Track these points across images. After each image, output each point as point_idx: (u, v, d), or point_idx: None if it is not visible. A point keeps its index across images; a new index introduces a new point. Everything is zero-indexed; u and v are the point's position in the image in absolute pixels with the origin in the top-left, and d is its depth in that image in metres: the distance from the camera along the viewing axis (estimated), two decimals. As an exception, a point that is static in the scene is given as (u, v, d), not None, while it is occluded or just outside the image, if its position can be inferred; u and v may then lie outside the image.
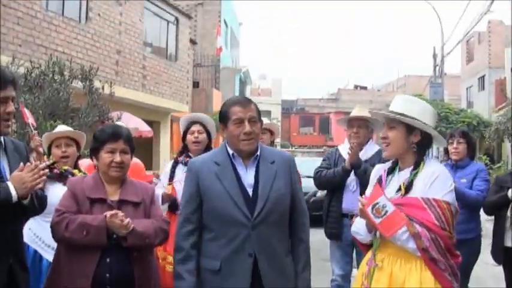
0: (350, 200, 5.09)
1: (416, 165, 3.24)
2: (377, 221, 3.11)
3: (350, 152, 5.10)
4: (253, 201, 3.12)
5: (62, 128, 4.75)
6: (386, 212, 3.09)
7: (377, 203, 3.12)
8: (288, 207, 3.24)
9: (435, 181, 3.14)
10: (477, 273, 6.29)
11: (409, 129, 3.26)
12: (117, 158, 3.34)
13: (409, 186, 3.19)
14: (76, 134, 4.71)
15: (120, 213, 3.17)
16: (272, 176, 3.20)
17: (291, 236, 3.29)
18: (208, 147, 5.24)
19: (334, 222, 5.17)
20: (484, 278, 7.75)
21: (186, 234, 3.19)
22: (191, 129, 5.25)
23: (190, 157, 5.21)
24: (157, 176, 5.53)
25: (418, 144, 3.27)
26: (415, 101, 3.39)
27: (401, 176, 3.28)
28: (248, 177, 3.20)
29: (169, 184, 5.17)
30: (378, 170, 3.49)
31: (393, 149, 3.31)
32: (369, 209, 3.13)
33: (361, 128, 5.25)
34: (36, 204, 3.06)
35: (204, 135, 5.25)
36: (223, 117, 3.22)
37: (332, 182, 5.26)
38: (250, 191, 3.15)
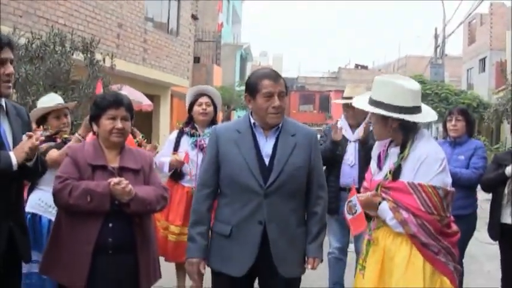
0: (348, 174, 5.14)
1: (403, 147, 3.23)
2: (348, 217, 3.36)
3: (363, 130, 5.11)
4: (268, 170, 3.18)
5: (53, 100, 4.69)
6: (356, 211, 3.29)
7: (351, 201, 3.34)
8: (304, 180, 3.29)
9: (421, 166, 3.13)
10: (471, 251, 6.35)
11: (384, 116, 3.25)
12: (119, 124, 3.34)
13: (396, 172, 3.20)
14: (72, 105, 4.89)
15: (125, 181, 3.19)
16: (290, 148, 3.24)
17: (306, 207, 3.34)
18: (213, 121, 5.24)
19: (332, 197, 5.18)
20: (478, 256, 7.81)
21: (202, 198, 3.29)
22: (199, 100, 5.25)
23: (195, 128, 5.22)
24: (155, 148, 5.51)
25: (400, 127, 3.25)
26: (388, 83, 3.29)
27: (392, 155, 3.31)
28: (267, 147, 3.25)
29: (173, 154, 5.17)
30: (379, 146, 3.49)
31: (377, 134, 3.39)
32: (346, 205, 3.37)
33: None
34: (39, 166, 3.08)
35: (211, 108, 5.26)
36: (252, 89, 3.24)
37: (324, 156, 5.30)
38: (266, 161, 3.21)
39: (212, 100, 5.29)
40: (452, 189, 3.22)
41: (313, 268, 3.28)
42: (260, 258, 3.13)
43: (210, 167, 3.28)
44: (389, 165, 3.28)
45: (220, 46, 29.24)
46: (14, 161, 2.85)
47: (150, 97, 17.43)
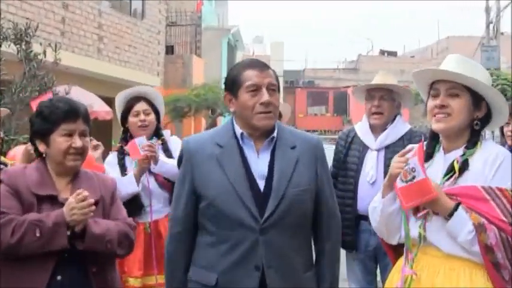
0: (368, 195, 5.02)
1: (472, 145, 3.25)
2: (399, 185, 3.16)
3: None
4: (264, 197, 3.15)
5: None
6: (414, 178, 3.11)
7: (408, 164, 3.16)
8: (310, 207, 3.27)
9: (500, 167, 3.14)
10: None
11: (476, 100, 3.26)
12: (77, 142, 3.34)
13: (463, 167, 3.18)
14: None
15: (85, 192, 3.18)
16: (292, 166, 3.22)
17: (315, 244, 3.34)
18: (157, 132, 5.21)
19: (348, 227, 5.11)
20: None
21: (176, 238, 3.26)
22: (134, 109, 5.14)
23: None
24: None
25: (481, 121, 3.29)
26: (477, 64, 3.37)
27: (448, 160, 3.28)
28: (260, 165, 3.22)
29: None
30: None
31: (453, 122, 3.26)
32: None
33: (384, 100, 5.18)
34: None
35: (152, 116, 5.17)
36: (232, 84, 3.24)
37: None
38: (261, 184, 3.18)
39: (152, 104, 5.22)
40: None
41: None
42: None
43: (184, 197, 3.25)
44: (436, 172, 3.26)
45: (200, 31, 29.32)
46: None
47: (108, 101, 17.42)
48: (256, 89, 3.15)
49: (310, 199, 3.24)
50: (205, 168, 3.19)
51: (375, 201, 3.44)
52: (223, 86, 6.69)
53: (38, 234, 3.09)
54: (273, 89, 3.20)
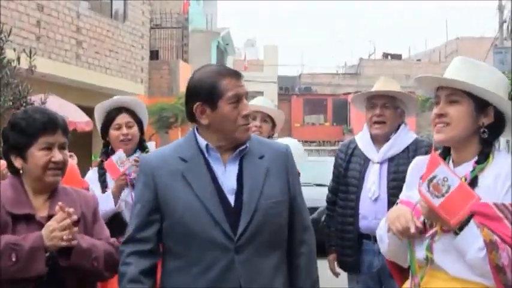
0: (370, 212, 5.06)
1: (484, 158, 3.21)
2: (437, 202, 2.97)
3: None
4: (236, 213, 3.14)
5: None
6: (449, 187, 2.97)
7: (434, 177, 3.00)
8: (285, 220, 3.26)
9: None
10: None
11: (480, 105, 3.23)
12: (57, 156, 3.33)
13: (472, 184, 3.13)
14: None
15: (70, 209, 3.16)
16: (262, 177, 3.22)
17: (288, 260, 3.31)
18: (141, 145, 5.19)
19: (349, 246, 5.15)
20: None
21: (135, 257, 3.17)
22: (116, 121, 5.10)
23: None
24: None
25: (489, 129, 3.24)
26: (484, 66, 3.35)
27: (458, 173, 3.16)
28: (228, 178, 3.21)
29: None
30: (419, 164, 3.44)
31: (454, 132, 3.23)
32: (423, 188, 3.01)
33: (387, 108, 5.16)
34: None
35: (135, 129, 5.13)
36: (208, 94, 3.18)
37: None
38: (231, 199, 3.17)
39: (134, 115, 5.19)
40: None
41: None
42: None
43: (146, 217, 3.20)
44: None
45: (187, 34, 29.37)
46: None
47: (88, 111, 17.41)
48: (238, 100, 3.16)
49: (285, 211, 3.25)
50: (169, 185, 3.16)
51: (380, 228, 3.40)
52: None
53: (13, 259, 3.06)
54: (247, 99, 3.25)
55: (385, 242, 3.37)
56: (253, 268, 3.11)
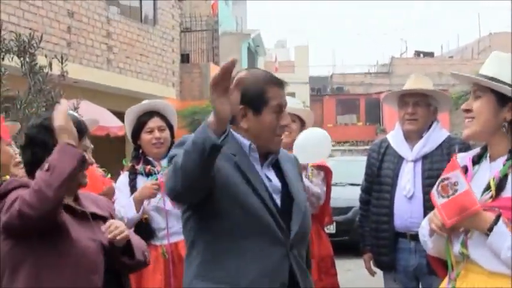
0: (405, 210, 5.07)
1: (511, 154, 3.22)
2: (440, 201, 3.12)
3: None
4: (285, 212, 3.17)
5: None
6: (456, 191, 3.06)
7: (447, 178, 3.12)
8: None
9: None
10: None
11: (501, 100, 3.24)
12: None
13: (501, 183, 3.15)
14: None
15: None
16: (297, 182, 3.33)
17: None
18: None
19: (384, 245, 5.17)
20: None
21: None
22: (148, 125, 5.18)
23: (150, 163, 5.16)
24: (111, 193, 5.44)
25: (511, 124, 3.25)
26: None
27: (493, 169, 3.26)
28: (271, 178, 3.26)
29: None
30: (461, 161, 3.45)
31: (477, 126, 3.29)
32: (435, 186, 3.15)
33: (419, 106, 5.18)
34: None
35: (167, 133, 5.22)
36: (254, 99, 3.17)
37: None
38: (277, 198, 3.20)
39: (165, 119, 5.26)
40: None
41: None
42: None
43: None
44: (479, 183, 3.25)
45: (218, 37, 29.38)
46: None
47: (120, 115, 17.48)
48: (280, 110, 3.19)
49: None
50: (224, 166, 3.05)
51: (422, 227, 3.44)
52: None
53: (46, 169, 3.01)
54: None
55: (427, 246, 3.41)
56: (300, 265, 3.16)
